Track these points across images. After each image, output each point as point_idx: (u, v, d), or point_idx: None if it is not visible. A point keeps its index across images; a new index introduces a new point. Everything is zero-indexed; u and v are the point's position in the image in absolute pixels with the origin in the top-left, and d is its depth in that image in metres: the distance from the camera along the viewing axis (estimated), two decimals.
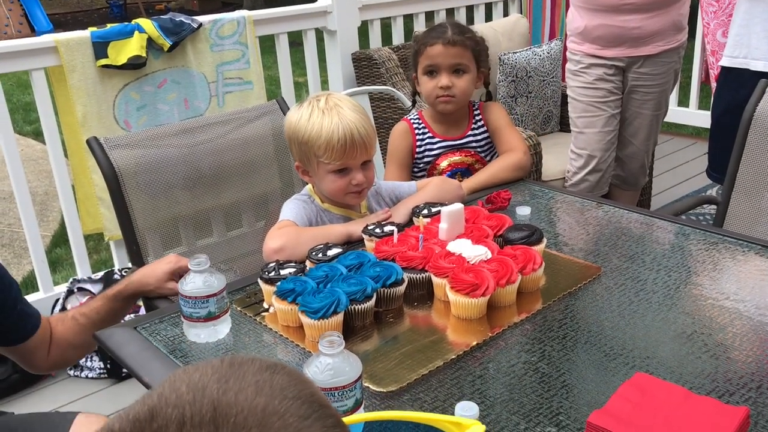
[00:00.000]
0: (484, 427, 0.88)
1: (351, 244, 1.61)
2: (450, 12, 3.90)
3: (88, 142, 1.84)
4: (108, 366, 2.54)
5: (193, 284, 1.27)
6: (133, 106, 2.78)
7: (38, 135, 5.17)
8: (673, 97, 4.69)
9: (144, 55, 2.70)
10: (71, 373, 2.57)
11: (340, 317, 1.26)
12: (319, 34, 3.38)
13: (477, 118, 2.15)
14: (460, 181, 2.02)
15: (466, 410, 1.00)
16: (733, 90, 2.60)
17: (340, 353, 1.01)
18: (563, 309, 1.36)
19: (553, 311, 1.35)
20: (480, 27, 3.58)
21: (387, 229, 1.55)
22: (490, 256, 1.40)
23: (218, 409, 0.47)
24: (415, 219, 1.64)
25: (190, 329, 1.30)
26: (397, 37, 3.66)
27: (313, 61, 3.36)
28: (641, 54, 2.71)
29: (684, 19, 2.75)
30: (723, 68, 2.68)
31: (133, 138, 1.90)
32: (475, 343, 1.25)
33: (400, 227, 1.56)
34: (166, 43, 2.75)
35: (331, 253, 1.46)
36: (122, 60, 2.67)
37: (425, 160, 2.13)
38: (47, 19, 8.95)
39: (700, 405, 1.02)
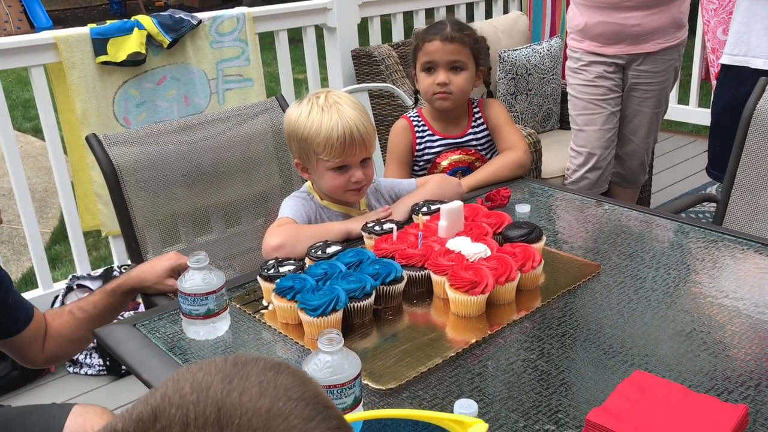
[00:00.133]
0: (486, 425, 0.88)
1: (350, 241, 1.61)
2: (450, 9, 3.90)
3: (87, 139, 1.84)
4: (107, 363, 2.54)
5: (192, 281, 1.27)
6: (132, 103, 2.78)
7: (38, 132, 5.17)
8: (673, 95, 4.69)
9: (143, 51, 2.70)
10: (70, 369, 2.57)
11: (339, 315, 1.26)
12: (319, 31, 3.38)
13: (477, 116, 2.14)
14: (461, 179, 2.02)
15: (465, 408, 1.00)
16: (733, 88, 2.60)
17: (339, 351, 1.01)
18: (562, 307, 1.36)
19: (552, 309, 1.35)
20: (480, 24, 3.57)
21: (386, 226, 1.55)
22: (489, 253, 1.40)
23: (222, 410, 0.47)
24: (414, 216, 1.64)
25: (189, 326, 1.30)
26: (397, 34, 3.66)
27: (313, 58, 3.35)
28: (641, 51, 2.70)
29: (684, 16, 2.74)
30: (723, 66, 2.67)
31: (132, 135, 1.90)
32: (474, 340, 1.25)
33: (400, 225, 1.56)
34: (166, 40, 2.74)
35: (330, 250, 1.46)
36: (121, 57, 2.66)
37: (425, 158, 2.13)
38: (47, 16, 8.93)
39: (699, 403, 1.02)
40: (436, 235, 1.52)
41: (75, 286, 2.69)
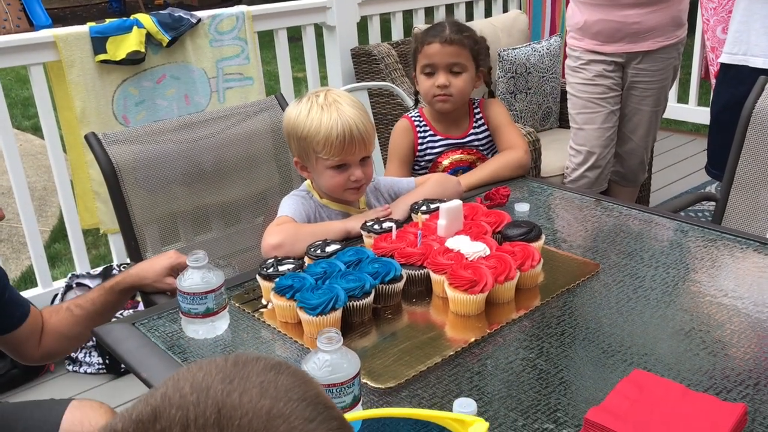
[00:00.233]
0: (487, 424, 0.88)
1: (349, 240, 1.61)
2: (449, 8, 3.89)
3: (86, 137, 1.84)
4: (107, 361, 2.54)
5: (192, 280, 1.27)
6: (131, 102, 2.77)
7: (37, 130, 5.17)
8: (673, 94, 4.68)
9: (143, 50, 2.70)
10: (70, 368, 2.57)
11: (338, 314, 1.26)
12: (318, 29, 3.37)
13: (477, 116, 2.14)
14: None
15: (464, 407, 1.00)
16: (732, 87, 2.60)
17: (338, 350, 1.01)
18: (561, 306, 1.36)
19: (551, 308, 1.35)
20: (479, 23, 3.57)
21: (385, 225, 1.55)
22: (488, 252, 1.40)
23: (222, 411, 0.46)
24: (413, 215, 1.64)
25: (188, 325, 1.30)
26: (397, 33, 3.66)
27: (312, 57, 3.35)
28: (640, 50, 2.71)
29: (683, 14, 2.75)
30: (722, 65, 2.67)
31: (131, 133, 1.90)
32: (473, 339, 1.25)
33: (399, 223, 1.56)
34: (165, 39, 2.74)
35: (329, 249, 1.46)
36: (121, 55, 2.66)
37: (427, 157, 2.13)
38: (46, 14, 8.92)
39: (698, 402, 1.02)
40: (435, 233, 1.52)
41: (74, 285, 2.69)
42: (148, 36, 2.73)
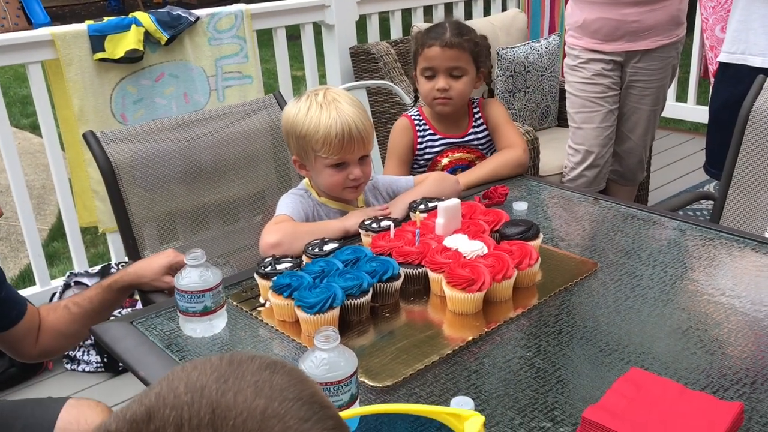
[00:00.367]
0: (482, 418, 0.88)
1: (348, 239, 1.61)
2: (448, 6, 3.89)
3: (84, 136, 1.84)
4: (105, 360, 2.54)
5: (189, 279, 1.27)
6: (129, 100, 2.77)
7: (35, 128, 5.16)
8: (672, 93, 4.68)
9: (141, 48, 2.69)
10: (68, 366, 2.57)
11: (336, 312, 1.26)
12: (317, 28, 3.37)
13: (477, 116, 2.14)
14: None
15: (462, 405, 1.01)
16: (731, 86, 2.60)
17: (335, 348, 1.01)
18: (559, 304, 1.36)
19: (549, 306, 1.35)
20: (478, 22, 3.57)
21: (383, 224, 1.55)
22: (486, 251, 1.40)
23: (217, 411, 0.46)
24: (411, 214, 1.64)
25: (186, 324, 1.30)
26: (395, 32, 3.66)
27: (311, 55, 3.35)
28: (639, 48, 2.71)
29: (683, 13, 2.75)
30: (721, 64, 2.67)
31: (129, 132, 1.90)
32: (470, 338, 1.25)
33: (397, 222, 1.56)
34: (164, 37, 2.74)
35: (327, 248, 1.46)
36: (119, 53, 2.66)
37: (426, 156, 2.13)
38: (44, 12, 8.92)
39: (695, 400, 1.02)
40: (433, 232, 1.52)
41: (72, 283, 2.69)
42: (147, 34, 2.72)
